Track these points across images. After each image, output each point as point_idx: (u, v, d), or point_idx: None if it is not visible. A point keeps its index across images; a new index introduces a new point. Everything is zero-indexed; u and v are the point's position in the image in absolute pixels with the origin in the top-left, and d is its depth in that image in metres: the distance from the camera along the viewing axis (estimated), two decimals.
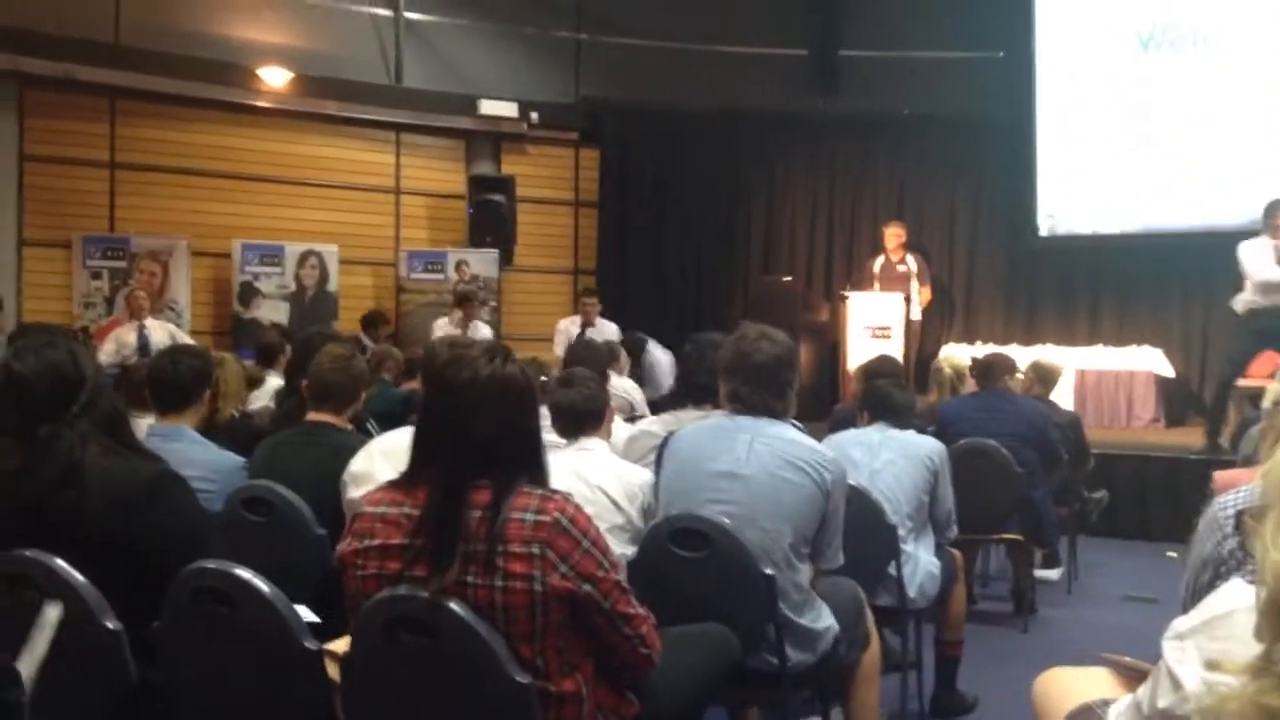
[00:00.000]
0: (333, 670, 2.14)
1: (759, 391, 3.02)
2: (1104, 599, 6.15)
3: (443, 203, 11.24)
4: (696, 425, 3.23)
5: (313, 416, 3.63)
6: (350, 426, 3.72)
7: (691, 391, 3.77)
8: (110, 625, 2.19)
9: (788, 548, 2.91)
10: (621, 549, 2.90)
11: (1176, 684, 1.53)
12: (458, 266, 10.71)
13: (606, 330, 9.43)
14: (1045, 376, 6.50)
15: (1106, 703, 1.82)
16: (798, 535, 2.93)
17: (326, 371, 3.64)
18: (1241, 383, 7.87)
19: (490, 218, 10.76)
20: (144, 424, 3.66)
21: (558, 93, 11.34)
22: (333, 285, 10.43)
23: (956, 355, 7.41)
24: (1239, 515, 1.95)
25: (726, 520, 2.85)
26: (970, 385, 6.07)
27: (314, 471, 3.35)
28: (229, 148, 10.23)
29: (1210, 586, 2.04)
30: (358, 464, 3.29)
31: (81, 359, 2.49)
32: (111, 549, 2.32)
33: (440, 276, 10.71)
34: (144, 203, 9.95)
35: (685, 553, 2.85)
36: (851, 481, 3.21)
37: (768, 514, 2.91)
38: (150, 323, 8.68)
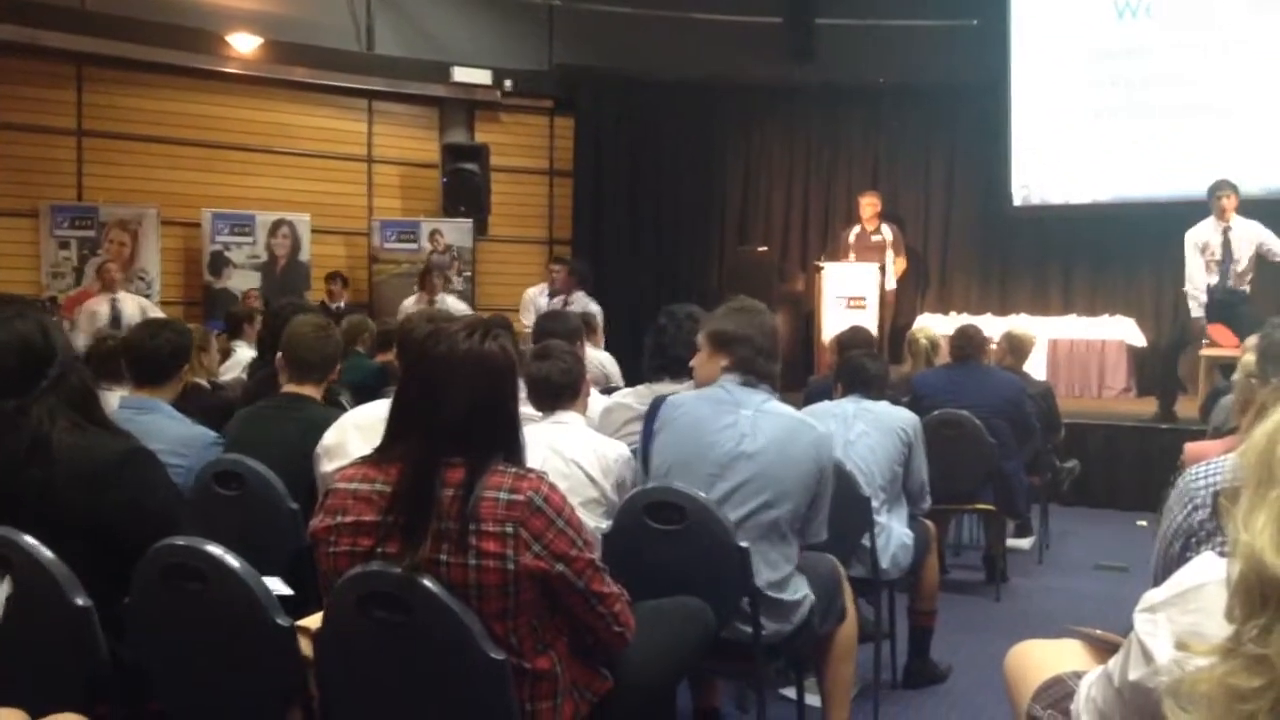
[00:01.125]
0: (306, 646, 2.13)
1: (765, 362, 3.03)
2: (1075, 567, 6.22)
3: (416, 171, 11.16)
4: (694, 394, 3.18)
5: (290, 389, 3.59)
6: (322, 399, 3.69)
7: (668, 365, 3.76)
8: (80, 602, 2.16)
9: (788, 522, 2.94)
10: (596, 523, 2.90)
11: (1148, 656, 1.54)
12: (431, 236, 10.64)
13: (575, 300, 9.33)
14: (1018, 347, 6.53)
15: (1078, 675, 1.83)
16: (795, 510, 2.95)
17: (303, 342, 3.58)
18: (1210, 352, 7.98)
19: (464, 187, 10.69)
20: (115, 397, 3.63)
21: (532, 60, 11.24)
22: (305, 255, 10.35)
23: (931, 326, 7.44)
24: (1215, 494, 1.96)
25: (702, 495, 2.85)
26: (944, 356, 6.09)
27: (288, 445, 3.32)
28: (198, 115, 10.11)
29: (1181, 558, 2.05)
30: (331, 437, 3.26)
31: (52, 332, 2.45)
32: (81, 526, 2.29)
33: (414, 246, 10.64)
34: (112, 171, 9.83)
35: (660, 525, 2.85)
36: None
37: (771, 488, 2.92)
38: (122, 295, 8.59)
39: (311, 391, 3.60)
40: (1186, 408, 7.90)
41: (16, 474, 2.27)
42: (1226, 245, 7.55)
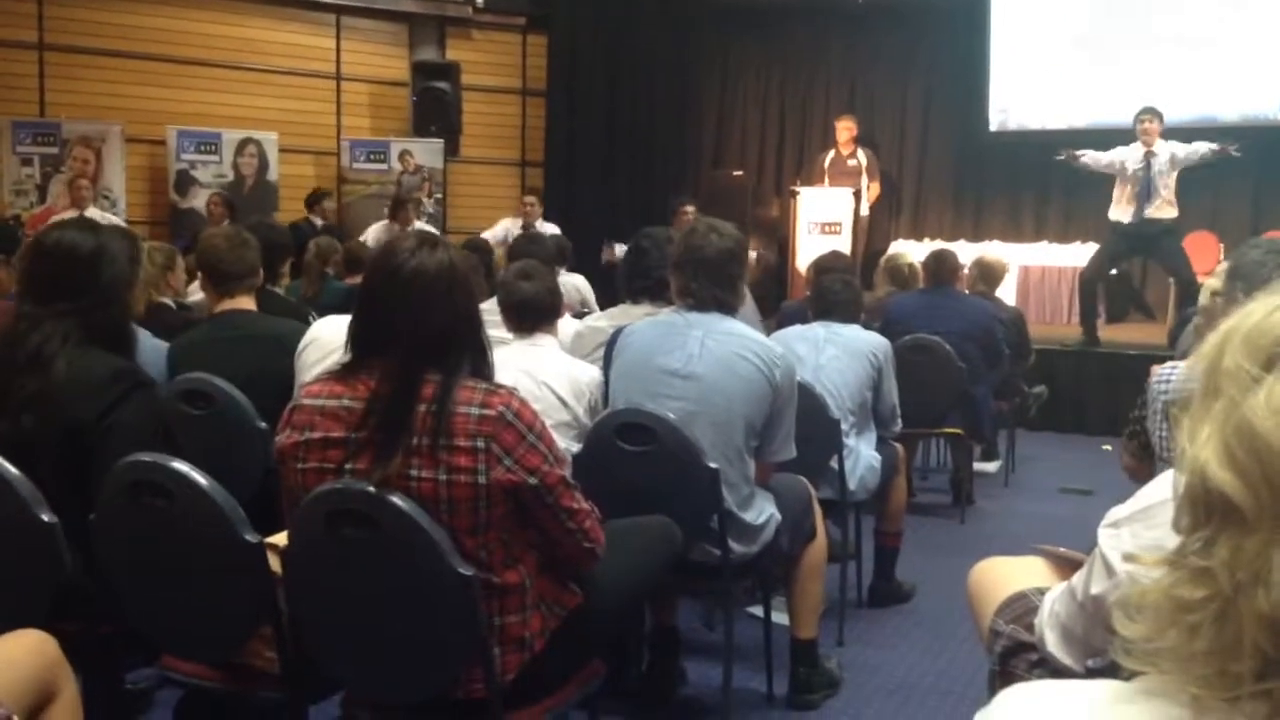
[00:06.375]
0: (275, 563, 2.13)
1: (708, 286, 3.00)
2: (1040, 491, 6.29)
3: (386, 90, 10.97)
4: (647, 321, 3.20)
5: (225, 306, 3.45)
6: None
7: (650, 287, 3.72)
8: (45, 518, 2.15)
9: (742, 442, 2.93)
10: (566, 444, 2.90)
11: (1110, 570, 1.56)
12: (401, 156, 10.49)
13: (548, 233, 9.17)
14: (990, 273, 6.55)
15: (1040, 591, 1.85)
16: (749, 430, 2.95)
17: (216, 253, 3.43)
18: None
19: (435, 106, 10.52)
20: None
21: None
22: (273, 174, 10.19)
23: (908, 252, 7.43)
24: (1167, 404, 2.00)
25: (671, 415, 2.85)
26: (919, 281, 6.10)
27: (249, 360, 3.28)
28: (163, 29, 9.87)
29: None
30: (311, 353, 3.24)
31: (104, 267, 2.43)
32: (59, 433, 2.29)
33: (383, 166, 10.49)
34: (76, 86, 9.61)
35: (630, 446, 2.86)
36: (797, 377, 3.22)
37: (721, 409, 2.91)
38: (92, 212, 8.43)
39: (247, 304, 3.48)
40: (1153, 333, 7.97)
41: (11, 379, 2.30)
42: (1147, 175, 7.41)
